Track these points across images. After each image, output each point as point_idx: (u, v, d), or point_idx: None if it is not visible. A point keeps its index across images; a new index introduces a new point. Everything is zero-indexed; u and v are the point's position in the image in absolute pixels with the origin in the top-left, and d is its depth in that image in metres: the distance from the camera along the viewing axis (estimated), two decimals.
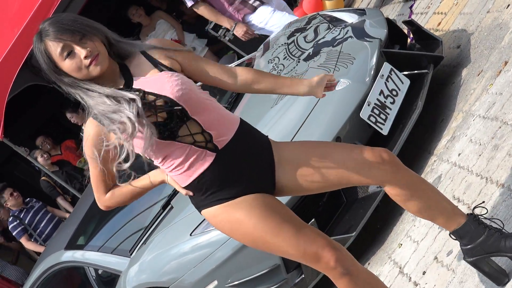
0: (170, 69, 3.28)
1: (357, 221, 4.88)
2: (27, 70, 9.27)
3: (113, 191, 3.45)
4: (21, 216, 9.72)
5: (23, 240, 9.70)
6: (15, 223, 9.69)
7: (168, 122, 3.20)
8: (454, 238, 3.45)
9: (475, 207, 3.49)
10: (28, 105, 13.45)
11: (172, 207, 5.44)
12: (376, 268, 4.86)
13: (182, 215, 5.22)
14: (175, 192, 5.53)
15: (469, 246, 3.40)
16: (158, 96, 3.19)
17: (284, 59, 5.95)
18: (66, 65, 3.18)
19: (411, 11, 7.33)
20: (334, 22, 6.03)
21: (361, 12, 6.07)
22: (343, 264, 3.27)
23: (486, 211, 3.53)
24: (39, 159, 10.11)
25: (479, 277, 3.71)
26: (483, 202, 3.69)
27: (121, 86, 3.25)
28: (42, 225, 9.73)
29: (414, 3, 7.56)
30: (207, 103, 3.31)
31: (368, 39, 5.55)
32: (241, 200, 3.30)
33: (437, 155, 5.09)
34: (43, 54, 3.19)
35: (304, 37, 6.04)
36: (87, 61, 3.16)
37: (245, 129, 3.40)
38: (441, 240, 4.31)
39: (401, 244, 4.76)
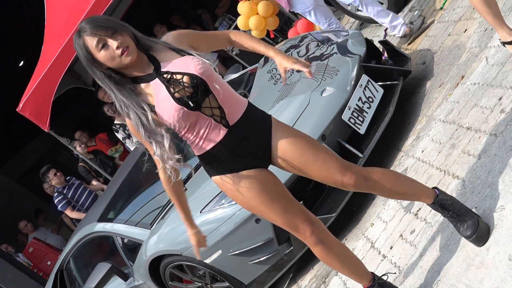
0: (189, 54, 3.28)
1: (337, 204, 4.88)
2: (70, 75, 9.26)
3: (169, 187, 3.51)
4: (64, 192, 9.71)
5: (68, 211, 9.66)
6: (59, 197, 9.67)
7: (194, 95, 3.20)
8: None
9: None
10: (70, 104, 13.49)
11: (186, 189, 5.40)
12: (351, 243, 4.84)
13: (194, 196, 5.21)
14: (189, 177, 5.52)
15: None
16: (184, 74, 3.20)
17: None
18: (101, 55, 3.17)
19: (386, 33, 7.29)
20: (322, 40, 6.00)
21: (344, 33, 6.05)
22: (317, 235, 3.38)
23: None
24: (78, 148, 10.11)
25: (437, 251, 3.70)
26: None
27: (151, 72, 3.24)
28: (82, 198, 9.71)
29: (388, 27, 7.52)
30: (221, 81, 3.31)
31: (350, 55, 5.52)
32: (245, 174, 3.33)
33: (404, 152, 5.07)
34: (81, 48, 3.18)
35: (298, 53, 6.02)
36: (118, 51, 3.15)
37: (251, 110, 3.39)
38: (406, 221, 4.29)
39: (373, 224, 4.73)
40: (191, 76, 3.20)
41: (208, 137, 3.29)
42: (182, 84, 3.19)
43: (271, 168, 3.44)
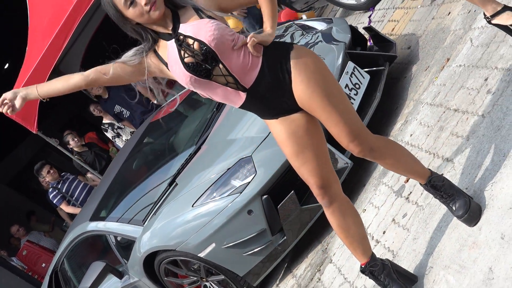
0: (209, 17, 3.26)
1: None
2: (56, 75, 9.20)
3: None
4: (58, 187, 9.71)
5: (63, 206, 9.64)
6: (54, 192, 9.67)
7: (204, 62, 3.19)
8: None
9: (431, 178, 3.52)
10: (57, 104, 13.43)
11: (177, 184, 5.42)
12: None
13: (185, 190, 5.21)
14: (179, 172, 5.52)
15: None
16: (194, 39, 3.19)
17: None
18: (130, 12, 3.17)
19: (370, 19, 7.30)
20: (307, 29, 6.00)
21: (328, 21, 6.04)
22: (328, 199, 3.43)
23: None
24: (71, 142, 10.08)
25: (430, 234, 3.71)
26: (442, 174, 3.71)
27: (170, 29, 3.24)
28: (77, 192, 9.70)
29: (372, 13, 7.53)
30: (233, 49, 3.22)
31: (335, 42, 5.52)
32: (279, 122, 3.33)
33: (393, 136, 5.08)
34: (110, 5, 3.19)
35: None
36: (147, 7, 3.14)
37: (267, 61, 3.26)
38: (398, 205, 4.30)
39: (365, 210, 4.74)
40: (201, 43, 3.19)
41: (231, 99, 3.31)
42: (192, 50, 3.19)
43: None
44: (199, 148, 5.60)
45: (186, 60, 3.19)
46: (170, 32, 3.25)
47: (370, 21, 7.23)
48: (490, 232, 3.21)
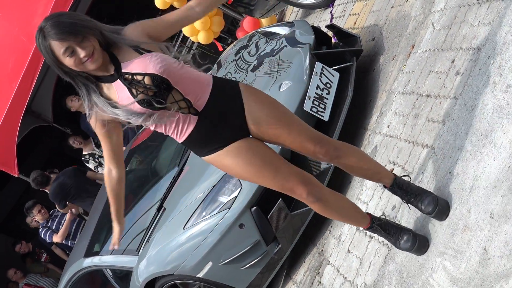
0: (148, 51, 3.25)
1: None
2: (29, 116, 9.20)
3: (110, 186, 3.71)
4: (48, 225, 9.70)
5: (55, 238, 9.62)
6: (44, 230, 9.66)
7: (158, 94, 3.20)
8: None
9: (400, 176, 3.69)
10: (35, 144, 13.35)
11: (165, 209, 5.41)
12: (337, 229, 4.86)
13: (174, 213, 5.20)
14: (165, 196, 5.50)
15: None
16: (145, 74, 3.18)
17: (235, 72, 5.92)
18: (67, 61, 3.15)
19: (332, 15, 7.33)
20: (270, 36, 6.01)
21: (290, 24, 6.06)
22: (313, 195, 3.44)
23: (409, 179, 3.73)
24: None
25: (420, 223, 3.73)
26: (408, 175, 3.80)
27: (112, 72, 3.23)
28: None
29: (332, 9, 7.56)
30: (182, 73, 3.28)
31: (300, 45, 5.53)
32: (228, 149, 3.37)
33: (371, 130, 5.10)
34: (47, 50, 3.14)
35: (248, 52, 6.02)
36: (85, 59, 3.13)
37: (217, 85, 3.38)
38: (385, 198, 4.32)
39: None
40: (152, 76, 3.19)
41: (181, 128, 3.34)
42: (143, 85, 3.18)
43: None
44: (182, 169, 5.59)
45: (139, 96, 3.19)
46: (113, 73, 3.23)
47: (332, 17, 7.25)
48: (479, 213, 3.23)
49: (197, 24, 8.99)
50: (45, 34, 3.10)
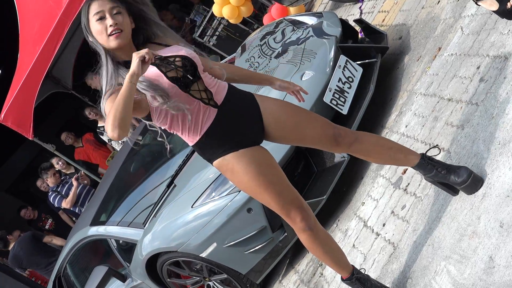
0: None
1: (327, 186, 4.88)
2: (49, 81, 9.22)
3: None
4: (58, 190, 9.77)
5: (64, 204, 9.71)
6: (54, 195, 9.73)
7: (185, 77, 3.21)
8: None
9: (427, 150, 3.67)
10: (52, 109, 13.41)
11: (175, 186, 5.42)
12: (345, 223, 4.86)
13: (184, 191, 5.21)
14: (177, 173, 5.52)
15: (425, 176, 3.60)
16: (176, 56, 3.20)
17: (258, 57, 5.92)
18: (94, 26, 3.16)
19: (361, 10, 7.30)
20: (297, 24, 6.00)
21: (319, 15, 6.04)
22: (306, 222, 3.41)
23: (438, 151, 3.71)
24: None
25: (429, 225, 3.72)
26: (437, 145, 3.76)
27: None
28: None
29: (362, 4, 7.53)
30: (205, 70, 3.37)
31: (326, 37, 5.52)
32: (242, 153, 3.33)
33: (389, 128, 5.09)
34: (85, 10, 3.18)
35: (274, 39, 6.01)
36: (110, 29, 3.13)
37: (233, 90, 3.44)
38: (396, 197, 4.31)
39: (364, 203, 4.76)
40: (183, 57, 3.21)
41: (201, 121, 3.29)
42: (174, 64, 3.18)
43: (267, 148, 3.47)
44: None
45: (169, 74, 3.18)
46: None
47: (361, 12, 7.23)
48: (489, 221, 3.22)
49: (225, 12, 8.99)
50: None
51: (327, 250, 3.51)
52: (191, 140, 3.36)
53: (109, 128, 2.95)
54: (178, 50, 3.25)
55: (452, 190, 3.59)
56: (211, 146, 3.35)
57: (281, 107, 3.46)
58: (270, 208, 3.46)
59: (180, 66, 3.20)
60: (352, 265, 3.61)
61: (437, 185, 3.62)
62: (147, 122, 3.32)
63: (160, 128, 3.34)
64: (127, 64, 3.16)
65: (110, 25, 3.13)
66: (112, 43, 3.16)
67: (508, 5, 3.84)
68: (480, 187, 3.42)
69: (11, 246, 9.83)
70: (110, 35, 3.14)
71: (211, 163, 3.41)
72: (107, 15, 3.14)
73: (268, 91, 4.71)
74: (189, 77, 3.21)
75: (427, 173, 3.57)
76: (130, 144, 6.80)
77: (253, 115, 3.40)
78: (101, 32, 3.15)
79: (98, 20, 3.14)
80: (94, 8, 3.15)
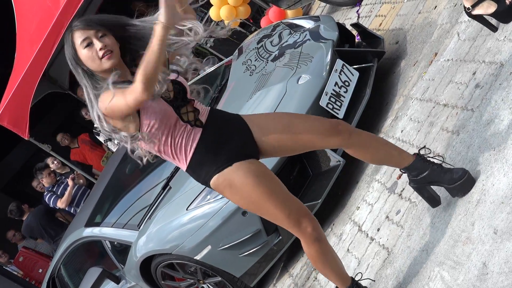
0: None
1: (322, 190, 4.89)
2: (46, 81, 9.21)
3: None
4: (53, 190, 9.80)
5: (59, 203, 9.75)
6: (49, 195, 9.76)
7: (174, 100, 3.24)
8: (404, 172, 3.55)
9: (420, 149, 3.62)
10: (48, 109, 13.40)
11: (170, 188, 5.43)
12: (339, 228, 4.86)
13: (179, 193, 5.22)
14: (172, 175, 5.52)
15: (416, 178, 3.52)
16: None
17: (255, 60, 5.92)
18: (83, 53, 3.16)
19: (358, 14, 7.32)
20: (294, 28, 6.01)
21: (316, 18, 6.05)
22: (317, 231, 3.32)
23: (429, 151, 3.63)
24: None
25: (423, 230, 3.72)
26: (424, 146, 3.74)
27: (131, 79, 3.11)
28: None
29: (359, 8, 7.55)
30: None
31: (323, 40, 5.53)
32: (236, 167, 3.24)
33: (384, 132, 5.09)
34: (69, 42, 3.19)
35: (271, 42, 6.02)
36: (101, 53, 3.14)
37: (216, 110, 3.45)
38: (391, 202, 4.32)
39: (359, 207, 4.76)
40: (173, 81, 3.25)
41: (186, 143, 3.27)
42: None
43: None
44: None
45: (162, 95, 3.21)
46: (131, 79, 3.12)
47: (358, 16, 7.24)
48: (483, 227, 3.23)
49: (223, 13, 8.99)
50: (72, 28, 3.18)
51: (331, 264, 3.43)
52: (183, 163, 3.31)
53: (138, 88, 2.90)
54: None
55: (433, 202, 3.60)
56: (203, 165, 3.29)
57: (267, 115, 3.51)
58: (276, 221, 3.32)
59: (170, 89, 3.25)
60: (351, 277, 3.57)
61: (420, 193, 3.59)
62: (130, 151, 3.35)
63: (148, 152, 3.33)
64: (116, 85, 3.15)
65: (100, 48, 3.14)
66: (106, 64, 3.16)
67: (507, 1, 3.84)
68: (469, 190, 3.44)
69: (25, 216, 10.31)
70: (102, 57, 3.15)
71: (209, 185, 3.32)
72: (94, 40, 3.15)
73: (256, 105, 4.73)
74: (180, 100, 3.26)
75: (420, 173, 3.50)
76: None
77: (239, 129, 3.36)
78: (93, 57, 3.16)
79: (86, 47, 3.15)
80: (78, 36, 3.16)
